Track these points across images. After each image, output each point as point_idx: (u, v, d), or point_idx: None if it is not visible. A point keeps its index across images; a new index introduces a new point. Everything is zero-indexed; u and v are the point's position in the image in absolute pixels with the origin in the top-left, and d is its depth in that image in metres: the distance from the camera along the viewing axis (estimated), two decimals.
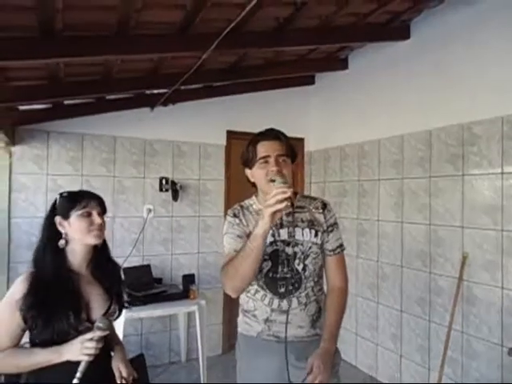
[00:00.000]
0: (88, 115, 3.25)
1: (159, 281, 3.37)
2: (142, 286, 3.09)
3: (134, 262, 3.38)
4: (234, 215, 1.55)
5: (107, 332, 1.27)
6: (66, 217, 1.33)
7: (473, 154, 2.58)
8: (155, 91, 3.24)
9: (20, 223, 3.10)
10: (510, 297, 2.35)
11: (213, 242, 3.78)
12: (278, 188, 1.26)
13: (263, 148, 1.46)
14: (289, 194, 1.23)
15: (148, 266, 3.33)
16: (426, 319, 2.89)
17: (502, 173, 2.41)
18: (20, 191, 3.12)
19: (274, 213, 1.25)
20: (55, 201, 1.38)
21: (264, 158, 1.44)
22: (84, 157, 3.34)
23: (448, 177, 2.74)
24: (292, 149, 1.52)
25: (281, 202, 1.23)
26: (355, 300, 3.59)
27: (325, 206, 1.58)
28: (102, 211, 1.39)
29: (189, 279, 3.19)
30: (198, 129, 3.74)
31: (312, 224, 1.52)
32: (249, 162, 1.51)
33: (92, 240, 1.34)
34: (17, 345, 1.27)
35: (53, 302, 1.24)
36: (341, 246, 1.59)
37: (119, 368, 1.40)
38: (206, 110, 3.72)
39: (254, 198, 1.60)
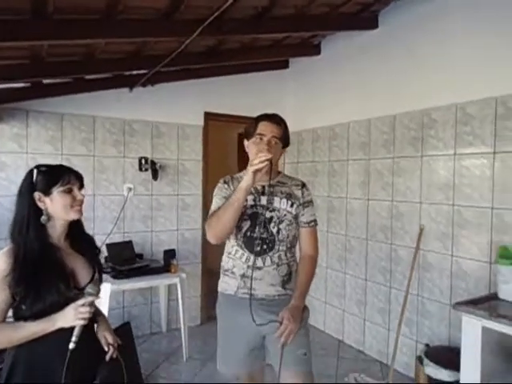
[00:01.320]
0: (67, 95, 3.28)
1: (141, 256, 3.52)
2: (124, 261, 3.23)
3: (116, 238, 3.50)
4: (224, 182, 1.81)
5: (97, 297, 1.35)
6: (47, 193, 1.32)
7: (430, 137, 2.87)
8: (135, 72, 3.31)
9: (1, 201, 3.14)
10: (459, 263, 2.68)
11: (191, 219, 3.95)
12: (262, 152, 1.56)
13: (263, 127, 1.71)
14: (269, 157, 1.54)
15: (130, 242, 3.47)
16: (387, 286, 3.22)
17: (455, 154, 2.70)
18: (0, 170, 3.15)
19: (256, 170, 1.54)
20: (32, 175, 1.34)
21: (260, 134, 1.69)
22: (64, 136, 3.39)
23: (409, 158, 3.03)
24: (287, 136, 1.78)
25: (262, 162, 1.52)
26: (325, 272, 3.89)
27: (304, 185, 1.85)
28: (81, 186, 1.41)
29: (170, 254, 3.36)
30: (176, 110, 3.85)
31: (290, 196, 1.76)
32: (248, 134, 1.76)
33: (74, 215, 1.38)
34: (3, 321, 1.28)
35: (41, 275, 1.28)
36: (314, 221, 1.83)
37: (105, 336, 1.45)
38: (184, 91, 3.82)
39: (244, 171, 1.80)
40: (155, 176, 3.73)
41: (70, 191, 1.36)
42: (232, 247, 1.76)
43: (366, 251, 3.42)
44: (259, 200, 1.73)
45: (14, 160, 3.20)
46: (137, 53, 2.86)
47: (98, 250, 1.56)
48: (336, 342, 3.68)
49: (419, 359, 2.68)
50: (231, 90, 4.03)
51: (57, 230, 1.38)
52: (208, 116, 4.02)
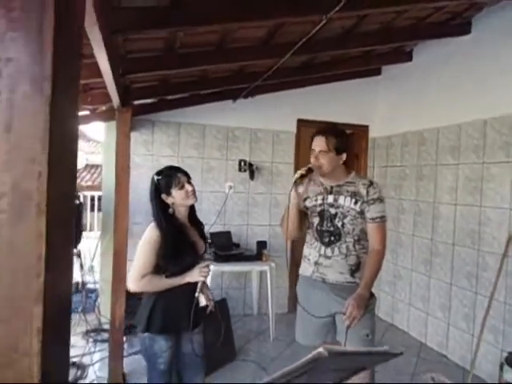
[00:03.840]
0: (184, 107, 3.98)
1: (237, 245, 4.06)
2: (224, 248, 3.79)
3: (218, 228, 4.08)
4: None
5: (212, 261, 1.88)
6: (168, 194, 1.83)
7: None
8: (239, 86, 3.85)
9: (132, 193, 3.94)
10: None
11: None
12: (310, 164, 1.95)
13: (313, 142, 2.00)
14: (309, 166, 1.92)
15: (229, 233, 4.03)
16: (472, 291, 3.20)
17: None
18: (134, 169, 3.96)
19: None
20: (155, 182, 1.84)
21: (312, 150, 2.00)
22: (180, 141, 4.10)
23: (500, 163, 2.99)
24: (340, 143, 1.97)
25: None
26: (410, 274, 3.95)
27: (371, 184, 2.02)
28: (188, 177, 1.86)
29: (262, 244, 3.82)
30: (272, 118, 4.31)
31: (354, 195, 2.00)
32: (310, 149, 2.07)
33: (190, 201, 1.88)
34: (152, 273, 1.81)
35: (180, 247, 1.82)
36: (381, 217, 2.00)
37: (207, 294, 1.93)
38: (279, 101, 4.26)
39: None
40: (252, 176, 4.24)
41: (182, 187, 1.84)
42: (309, 238, 2.11)
43: (452, 256, 3.43)
44: (326, 199, 2.03)
45: (143, 161, 4.00)
46: (240, 71, 3.38)
47: (202, 226, 2.07)
48: (418, 344, 3.73)
49: (501, 366, 2.66)
50: (323, 97, 4.35)
51: (182, 213, 1.91)
52: (300, 123, 4.40)
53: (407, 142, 4.06)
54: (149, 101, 3.81)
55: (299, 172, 1.91)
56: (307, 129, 4.49)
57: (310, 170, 1.93)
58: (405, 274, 4.02)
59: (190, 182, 1.89)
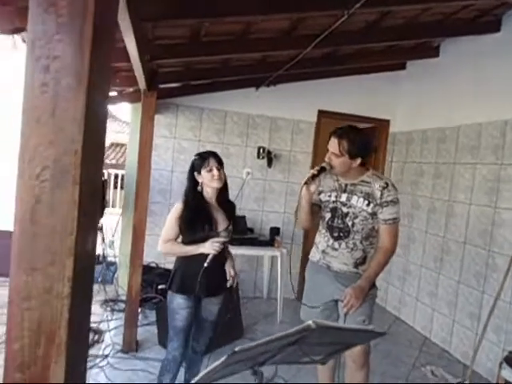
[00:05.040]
0: (207, 93, 4.08)
1: (251, 230, 4.18)
2: (238, 232, 3.91)
3: None
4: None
5: (227, 239, 2.06)
6: (199, 173, 2.08)
7: None
8: (261, 75, 3.92)
9: (154, 174, 4.11)
10: None
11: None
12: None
13: (329, 143, 2.02)
14: (321, 165, 1.98)
15: (244, 217, 4.15)
16: (480, 291, 3.23)
17: None
18: (155, 150, 4.11)
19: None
20: (193, 161, 2.12)
21: (327, 149, 2.04)
22: (202, 126, 4.22)
23: None
24: (354, 147, 1.96)
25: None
26: (419, 270, 3.99)
27: (386, 185, 2.01)
28: (219, 164, 2.07)
29: (275, 231, 3.93)
30: (293, 107, 4.36)
31: (368, 196, 2.04)
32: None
33: (214, 184, 2.07)
34: (174, 239, 2.11)
35: (198, 219, 2.05)
36: (394, 219, 2.02)
37: (230, 269, 2.21)
38: (301, 90, 4.31)
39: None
40: (270, 164, 4.33)
41: (210, 170, 2.05)
42: (321, 227, 2.21)
43: (463, 254, 3.45)
44: (340, 197, 2.09)
45: (165, 143, 4.15)
46: (263, 60, 3.44)
47: (233, 208, 2.25)
48: (422, 338, 3.79)
49: (500, 364, 2.71)
50: (345, 89, 4.36)
51: (209, 193, 2.12)
52: (321, 114, 4.44)
53: (427, 138, 4.05)
54: (174, 85, 3.92)
55: (311, 172, 1.96)
56: (328, 120, 4.53)
57: (322, 169, 1.98)
58: (414, 269, 4.06)
59: (219, 169, 2.07)
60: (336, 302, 2.15)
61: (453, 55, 3.81)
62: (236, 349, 0.89)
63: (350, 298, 1.94)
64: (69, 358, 0.67)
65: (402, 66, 4.44)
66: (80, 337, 0.73)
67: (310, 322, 1.01)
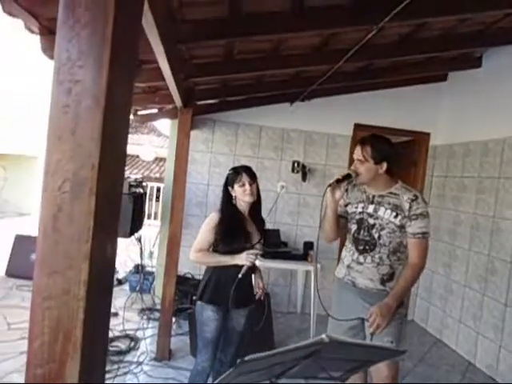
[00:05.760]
0: (242, 108, 4.18)
1: (285, 244, 4.18)
2: (272, 245, 3.93)
3: (267, 226, 4.23)
4: (345, 190, 2.15)
5: (261, 252, 2.09)
6: (232, 186, 2.15)
7: None
8: (296, 90, 3.96)
9: (191, 187, 4.25)
10: None
11: None
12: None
13: (355, 151, 2.04)
14: (347, 172, 1.99)
15: (277, 231, 4.16)
16: None
17: None
18: (193, 164, 4.26)
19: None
20: (227, 175, 2.19)
21: (353, 158, 2.05)
22: (237, 141, 4.32)
23: None
24: (377, 152, 1.96)
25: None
26: (462, 290, 3.78)
27: (416, 198, 1.96)
28: (252, 179, 2.13)
29: (308, 245, 3.89)
30: (328, 121, 4.36)
31: (396, 208, 1.99)
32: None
33: (246, 199, 2.13)
34: (207, 249, 2.15)
35: (233, 230, 2.11)
36: (423, 233, 1.95)
37: (258, 282, 2.26)
38: (336, 104, 4.30)
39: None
40: (304, 178, 4.33)
41: (243, 185, 2.11)
42: (347, 242, 2.17)
43: (510, 275, 3.23)
44: (367, 208, 2.05)
45: (202, 157, 4.28)
46: (296, 75, 3.49)
47: (263, 223, 2.31)
48: (465, 363, 3.56)
49: None
50: (382, 102, 4.30)
51: (242, 206, 2.18)
52: (357, 127, 4.39)
53: (469, 151, 3.88)
54: (211, 101, 4.07)
55: (336, 177, 1.97)
56: (364, 133, 4.44)
57: (348, 176, 1.98)
58: (457, 289, 3.85)
59: (251, 183, 2.12)
60: (362, 320, 2.09)
61: (496, 65, 3.66)
62: (245, 358, 0.90)
63: (375, 317, 1.87)
64: (84, 356, 0.72)
65: (444, 78, 4.31)
66: (96, 337, 0.79)
67: (323, 336, 1.00)
